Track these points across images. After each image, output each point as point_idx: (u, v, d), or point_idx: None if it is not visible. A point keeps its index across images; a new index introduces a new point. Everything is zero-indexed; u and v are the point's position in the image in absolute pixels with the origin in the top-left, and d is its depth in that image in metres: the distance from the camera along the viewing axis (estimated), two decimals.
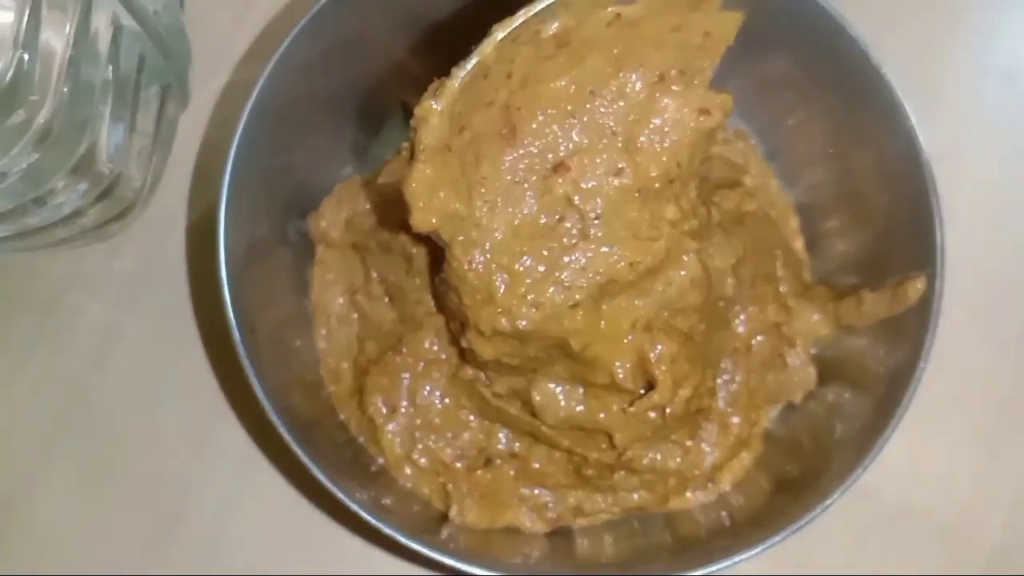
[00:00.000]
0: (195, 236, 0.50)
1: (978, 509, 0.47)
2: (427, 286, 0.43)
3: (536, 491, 0.43)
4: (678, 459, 0.43)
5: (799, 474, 0.42)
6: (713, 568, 0.37)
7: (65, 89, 0.35)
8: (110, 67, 0.39)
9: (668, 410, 0.40)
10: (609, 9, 0.35)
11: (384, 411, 0.43)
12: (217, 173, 0.39)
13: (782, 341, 0.45)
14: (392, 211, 0.45)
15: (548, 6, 0.34)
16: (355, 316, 0.46)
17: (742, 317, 0.44)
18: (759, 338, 0.44)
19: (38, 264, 0.49)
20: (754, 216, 0.46)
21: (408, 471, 0.43)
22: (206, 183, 0.50)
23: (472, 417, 0.43)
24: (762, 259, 0.45)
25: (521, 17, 0.34)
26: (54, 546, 0.47)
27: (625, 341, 0.39)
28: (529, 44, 0.35)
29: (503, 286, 0.37)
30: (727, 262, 0.42)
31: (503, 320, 0.37)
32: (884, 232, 0.44)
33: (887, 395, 0.40)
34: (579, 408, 0.40)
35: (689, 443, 0.43)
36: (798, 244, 0.48)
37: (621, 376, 0.39)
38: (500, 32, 0.34)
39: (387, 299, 0.45)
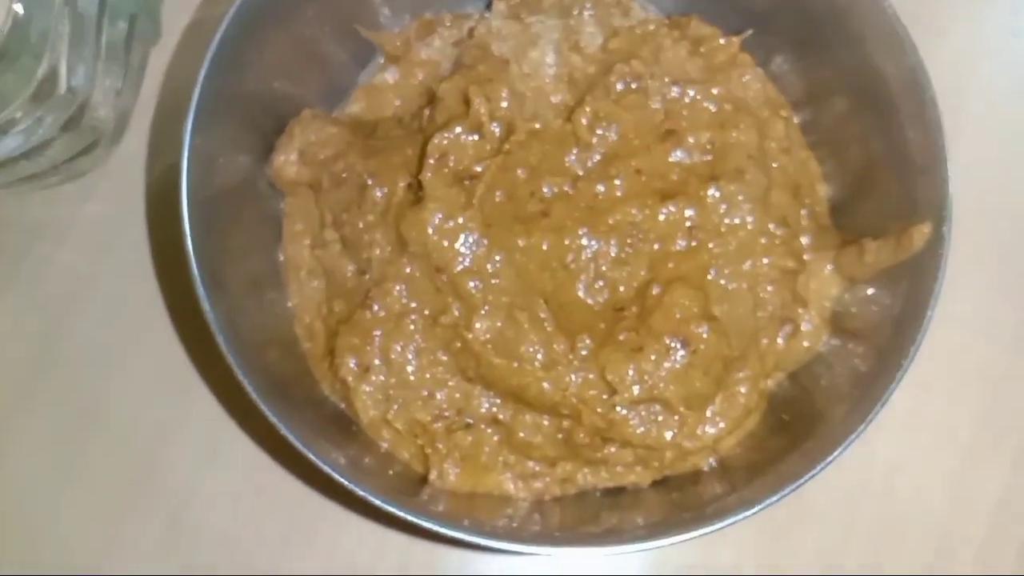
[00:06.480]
0: (160, 186, 0.48)
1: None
2: (379, 224, 0.41)
3: (522, 460, 0.41)
4: (673, 430, 0.40)
5: (801, 428, 0.40)
6: (710, 528, 0.36)
7: (19, 6, 0.34)
8: None
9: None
10: None
11: (356, 371, 0.41)
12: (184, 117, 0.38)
13: (795, 300, 0.42)
14: (357, 140, 0.43)
15: None
16: (322, 271, 0.44)
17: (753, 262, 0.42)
18: (769, 288, 0.41)
19: (9, 212, 0.48)
20: (788, 153, 0.44)
21: (386, 434, 0.42)
22: (175, 126, 0.48)
23: (449, 376, 0.41)
24: (788, 201, 0.43)
25: None
26: (25, 499, 0.46)
27: None
28: None
29: None
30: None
31: None
32: (884, 175, 0.41)
33: (891, 345, 0.38)
34: None
35: (683, 410, 0.40)
36: (821, 191, 0.45)
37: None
38: None
39: (341, 246, 0.43)
